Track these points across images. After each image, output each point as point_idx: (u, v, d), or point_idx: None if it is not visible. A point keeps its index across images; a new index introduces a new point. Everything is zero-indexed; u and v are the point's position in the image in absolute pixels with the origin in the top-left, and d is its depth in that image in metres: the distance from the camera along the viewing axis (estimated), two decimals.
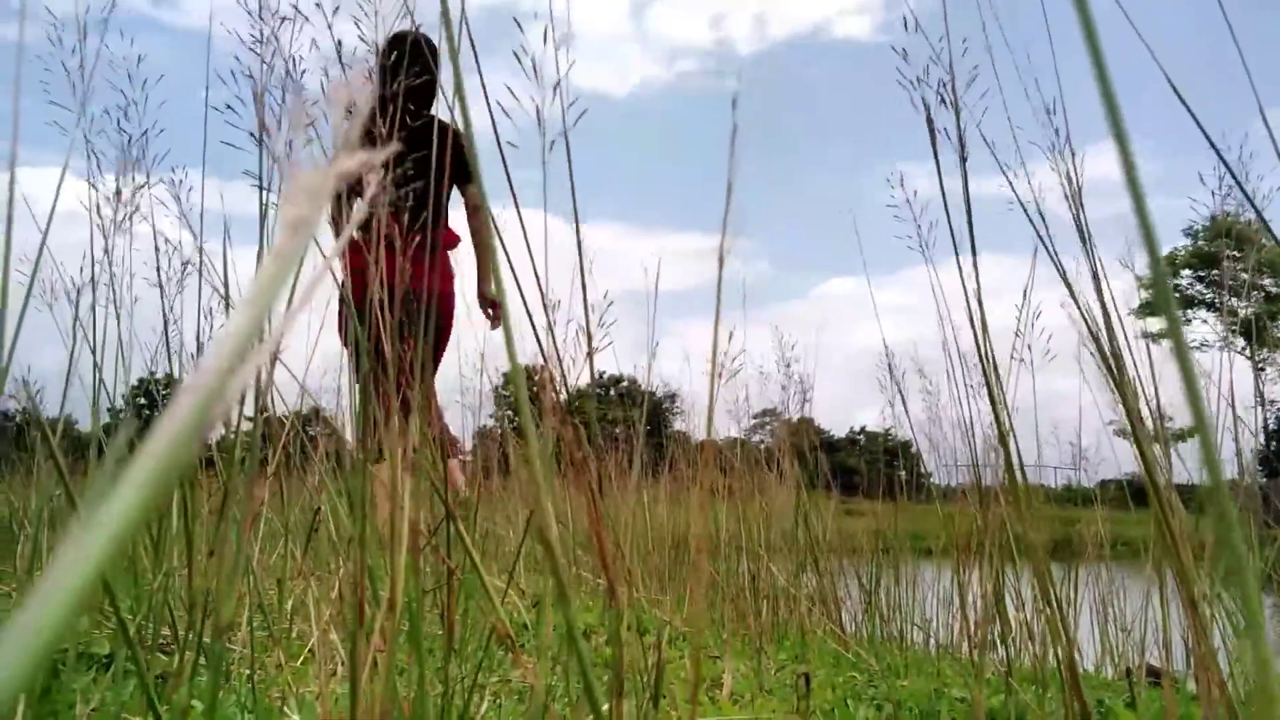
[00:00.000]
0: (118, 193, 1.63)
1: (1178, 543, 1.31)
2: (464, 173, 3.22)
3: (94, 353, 1.77)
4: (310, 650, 1.94)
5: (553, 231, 1.44)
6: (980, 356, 1.19)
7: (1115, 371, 1.19)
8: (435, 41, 3.06)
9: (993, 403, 1.18)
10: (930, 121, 1.20)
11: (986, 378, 1.18)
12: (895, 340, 3.77)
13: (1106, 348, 1.17)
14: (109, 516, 0.22)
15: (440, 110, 2.06)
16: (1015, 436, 1.22)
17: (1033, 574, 1.41)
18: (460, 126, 0.68)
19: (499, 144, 1.20)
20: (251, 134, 1.40)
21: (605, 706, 1.44)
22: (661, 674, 1.12)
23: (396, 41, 2.22)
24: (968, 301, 1.20)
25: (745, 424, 5.29)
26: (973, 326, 1.18)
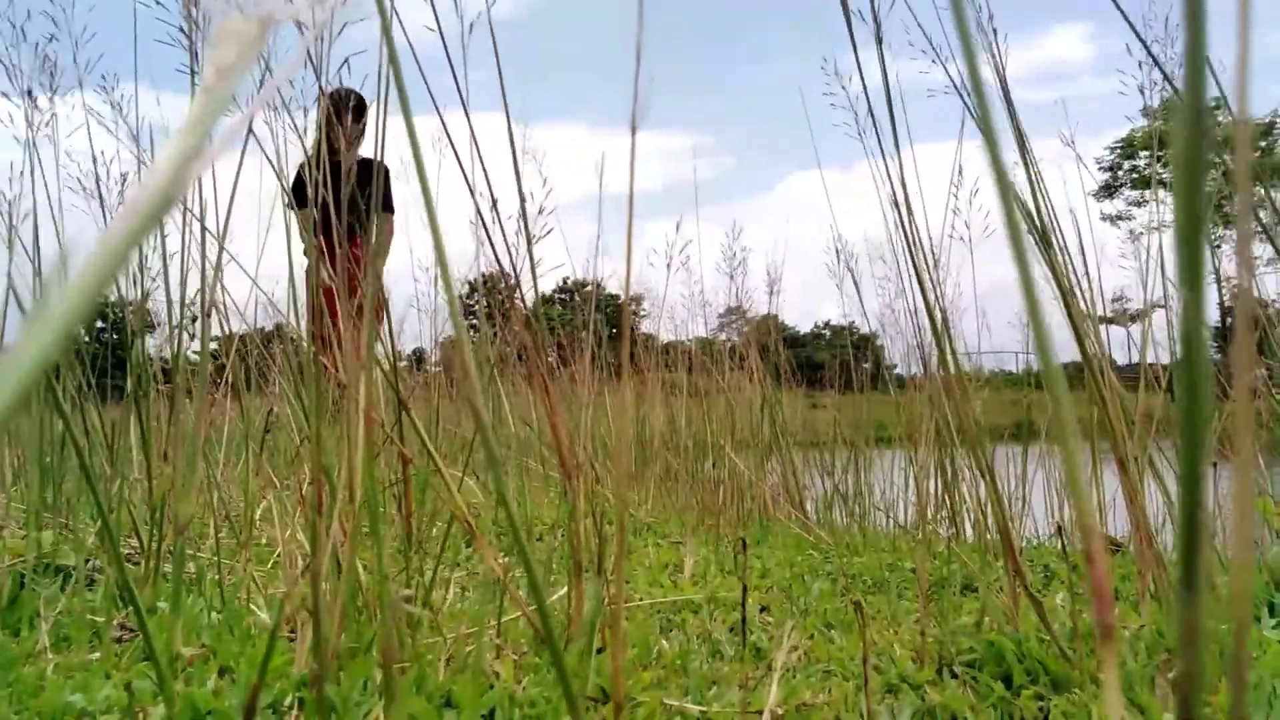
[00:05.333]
0: (32, 99, 1.59)
1: (1107, 409, 1.36)
2: (388, 202, 4.06)
3: (36, 271, 1.74)
4: (277, 555, 1.98)
5: (498, 131, 1.43)
6: (904, 234, 1.20)
7: (1044, 246, 1.21)
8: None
9: (920, 280, 1.20)
10: (845, 3, 1.19)
11: (911, 254, 1.19)
12: (859, 231, 3.79)
13: (1036, 223, 1.19)
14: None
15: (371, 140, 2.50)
16: (945, 316, 1.24)
17: (969, 452, 1.45)
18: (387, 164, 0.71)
19: (445, 46, 1.18)
20: (180, 28, 1.36)
21: (565, 589, 1.49)
22: (605, 549, 1.16)
23: (334, 97, 2.81)
24: (890, 184, 1.21)
25: (712, 323, 5.32)
26: (896, 207, 1.19)
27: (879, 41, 1.19)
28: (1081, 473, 0.29)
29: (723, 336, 5.80)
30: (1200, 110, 0.27)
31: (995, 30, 1.24)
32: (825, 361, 5.43)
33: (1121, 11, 1.08)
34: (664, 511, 3.76)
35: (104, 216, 1.86)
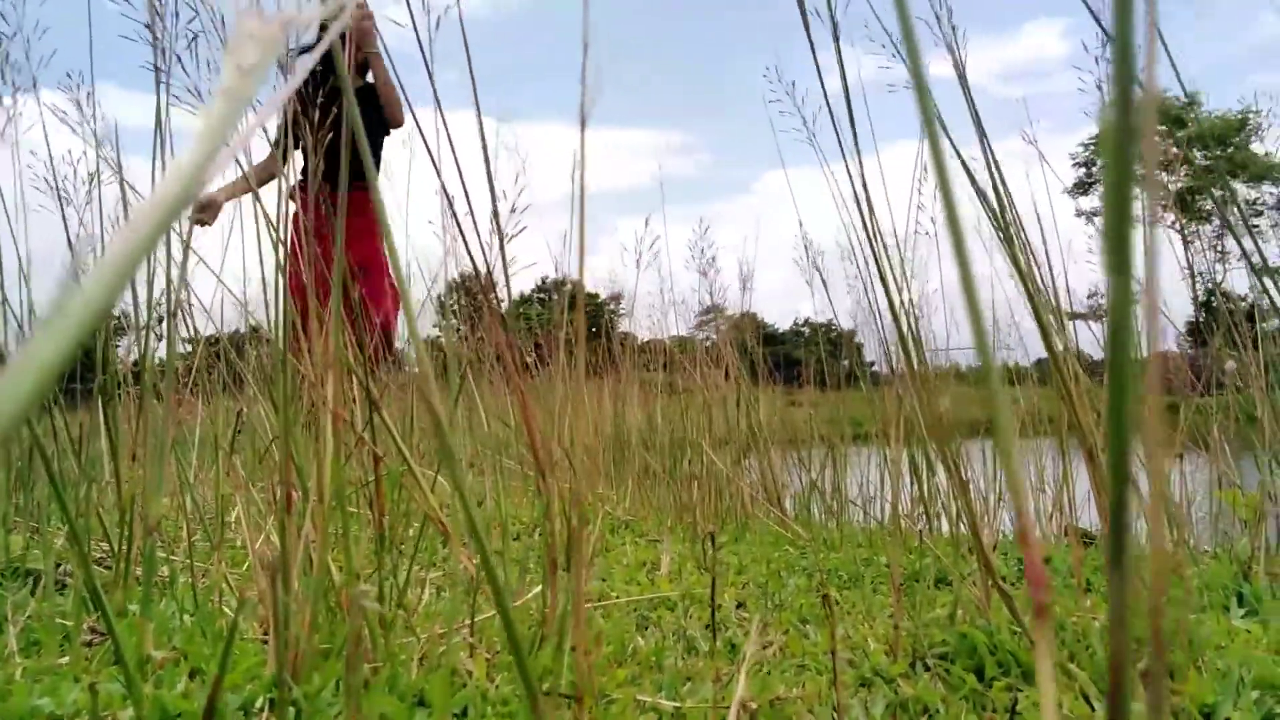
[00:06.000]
0: None
1: (1073, 403, 1.37)
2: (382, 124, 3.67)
3: None
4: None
5: (479, 130, 1.42)
6: (866, 233, 1.21)
7: (1009, 242, 1.22)
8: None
9: (882, 278, 1.21)
10: (801, 2, 1.19)
11: (874, 252, 1.20)
12: (830, 229, 3.82)
13: (999, 218, 1.20)
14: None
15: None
16: (913, 312, 1.25)
17: (936, 446, 1.46)
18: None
19: (419, 42, 1.18)
20: (147, 26, 1.35)
21: (539, 588, 1.49)
22: (572, 545, 1.16)
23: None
24: (852, 184, 1.21)
25: (689, 321, 5.33)
26: (857, 205, 1.19)
27: (836, 40, 1.19)
28: (1016, 457, 0.29)
29: (701, 335, 5.81)
30: (1128, 97, 0.27)
31: (955, 28, 1.24)
32: (803, 359, 5.44)
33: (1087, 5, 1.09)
34: (642, 509, 3.77)
35: (58, 216, 1.84)
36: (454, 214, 1.44)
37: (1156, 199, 0.29)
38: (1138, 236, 0.29)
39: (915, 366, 1.30)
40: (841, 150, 1.19)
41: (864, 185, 1.19)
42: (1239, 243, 1.25)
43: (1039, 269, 1.34)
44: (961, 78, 1.21)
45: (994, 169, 1.20)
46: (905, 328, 1.23)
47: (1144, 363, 0.30)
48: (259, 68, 0.29)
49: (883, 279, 1.19)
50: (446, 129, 1.35)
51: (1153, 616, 0.23)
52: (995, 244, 1.25)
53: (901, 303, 1.22)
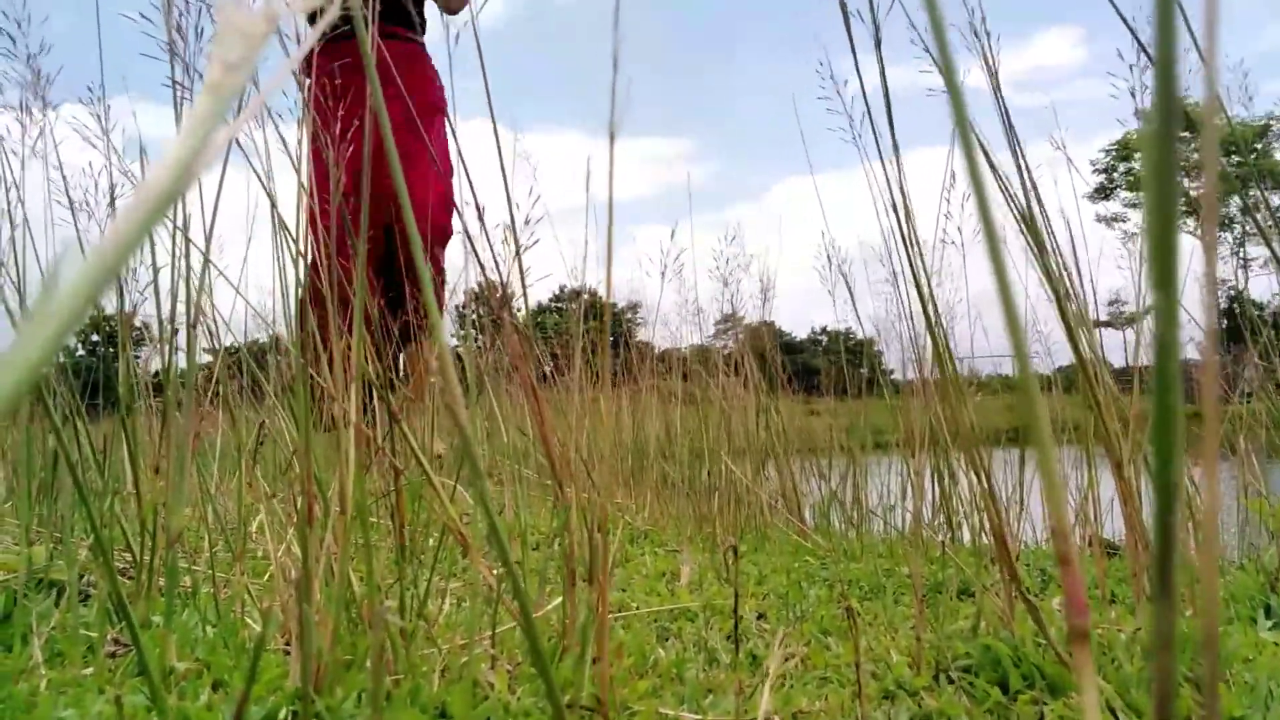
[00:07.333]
0: (27, 112, 1.58)
1: (1102, 412, 1.36)
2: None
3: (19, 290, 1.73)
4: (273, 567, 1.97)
5: (498, 139, 1.42)
6: (903, 240, 1.20)
7: (1037, 248, 1.21)
8: None
9: (917, 286, 1.20)
10: (844, 4, 1.18)
11: (910, 260, 1.19)
12: (854, 235, 3.80)
13: (1028, 225, 1.18)
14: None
15: None
16: (940, 321, 1.24)
17: (964, 455, 1.45)
18: None
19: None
20: (168, 45, 1.36)
21: (559, 599, 1.48)
22: (596, 557, 1.16)
23: None
24: (889, 189, 1.20)
25: (707, 330, 5.33)
26: (895, 213, 1.19)
27: (878, 45, 1.18)
28: (1056, 473, 0.29)
29: (719, 344, 5.79)
30: (1171, 107, 0.27)
31: (989, 33, 1.23)
32: (822, 367, 5.42)
33: (1119, 12, 1.08)
34: (661, 519, 3.76)
35: (73, 229, 1.85)
36: (465, 229, 1.44)
37: (1213, 220, 0.28)
38: (1182, 249, 0.29)
39: (947, 374, 1.29)
40: (880, 154, 1.19)
41: (902, 191, 1.18)
42: (1278, 247, 1.23)
43: (1069, 277, 1.32)
44: (995, 85, 1.20)
45: (1027, 177, 1.19)
46: (940, 335, 1.22)
47: (1196, 379, 0.29)
48: (244, 63, 0.29)
49: (917, 286, 1.18)
50: (456, 140, 1.36)
51: (1208, 648, 0.23)
52: (1022, 251, 1.24)
53: (936, 310, 1.21)
